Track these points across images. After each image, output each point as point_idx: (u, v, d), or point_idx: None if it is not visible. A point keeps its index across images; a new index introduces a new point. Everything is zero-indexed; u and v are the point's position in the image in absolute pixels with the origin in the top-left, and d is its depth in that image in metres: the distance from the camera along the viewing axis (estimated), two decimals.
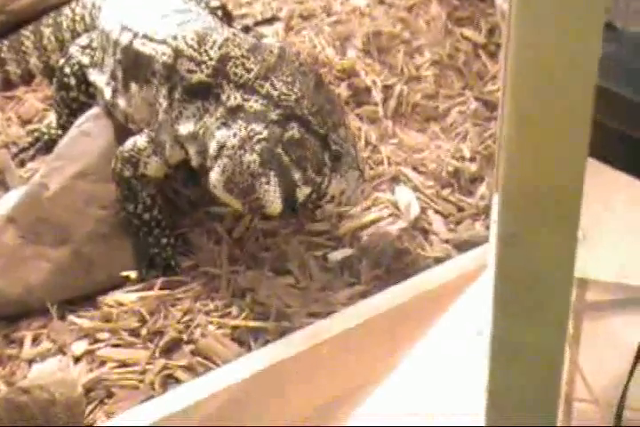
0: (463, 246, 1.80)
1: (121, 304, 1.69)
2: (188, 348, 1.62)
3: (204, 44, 1.70)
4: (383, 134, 2.07)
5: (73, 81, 2.01)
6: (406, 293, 1.64)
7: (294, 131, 1.58)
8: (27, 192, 1.79)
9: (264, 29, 2.35)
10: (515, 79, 0.77)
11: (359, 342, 1.59)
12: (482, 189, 1.95)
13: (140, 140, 1.76)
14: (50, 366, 1.60)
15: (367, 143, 2.04)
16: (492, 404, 0.87)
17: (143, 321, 1.65)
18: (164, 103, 1.73)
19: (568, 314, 0.85)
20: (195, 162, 1.71)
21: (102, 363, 1.60)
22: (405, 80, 2.20)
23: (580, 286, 1.60)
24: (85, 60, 1.99)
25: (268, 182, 1.57)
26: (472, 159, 2.02)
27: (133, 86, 1.81)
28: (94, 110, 1.92)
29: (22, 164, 2.04)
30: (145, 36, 1.79)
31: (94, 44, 1.99)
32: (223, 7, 2.20)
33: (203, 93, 1.68)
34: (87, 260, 1.74)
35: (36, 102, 2.22)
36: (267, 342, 1.60)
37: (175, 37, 1.74)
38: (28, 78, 2.31)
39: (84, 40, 2.03)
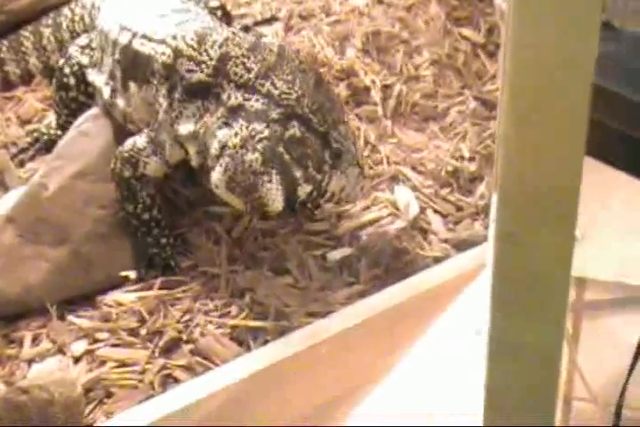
0: (462, 246, 1.80)
1: (120, 304, 1.69)
2: (187, 347, 1.62)
3: (204, 43, 1.70)
4: (382, 134, 2.07)
5: (72, 81, 2.01)
6: (405, 292, 1.64)
7: (295, 129, 1.59)
8: (26, 192, 1.79)
9: (263, 29, 2.36)
10: (512, 78, 0.77)
11: (358, 342, 1.59)
12: (481, 188, 1.95)
13: (139, 141, 1.76)
14: (49, 365, 1.60)
15: (366, 143, 2.04)
16: (490, 403, 0.87)
17: (142, 321, 1.66)
18: (164, 103, 1.73)
19: (566, 313, 0.85)
20: (195, 162, 1.71)
21: (102, 363, 1.60)
22: (404, 80, 2.21)
23: (579, 285, 1.61)
24: (85, 60, 1.99)
25: (270, 181, 1.57)
26: (471, 159, 2.02)
27: (132, 86, 1.81)
28: (93, 111, 1.92)
29: (22, 164, 2.04)
30: (144, 36, 1.79)
31: (93, 45, 1.99)
32: (222, 7, 2.20)
33: (203, 93, 1.68)
34: (86, 259, 1.74)
35: (35, 102, 2.22)
36: (266, 342, 1.60)
37: (174, 37, 1.74)
38: (27, 78, 2.31)
39: (83, 40, 2.03)
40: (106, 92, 1.89)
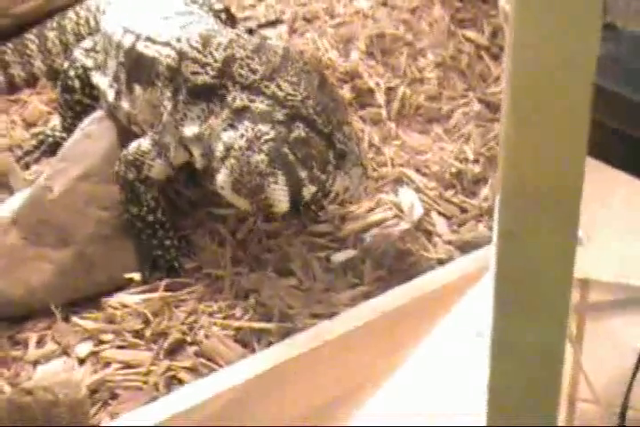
0: (466, 248, 1.80)
1: (125, 306, 1.70)
2: (191, 349, 1.62)
3: (209, 45, 1.70)
4: (386, 136, 2.07)
5: (77, 84, 2.01)
6: (409, 294, 1.64)
7: (300, 130, 1.59)
8: (31, 194, 1.79)
9: (267, 32, 2.36)
10: (513, 78, 0.77)
11: (362, 343, 1.59)
12: (485, 190, 1.95)
13: (143, 143, 1.76)
14: (54, 367, 1.60)
15: (370, 145, 2.04)
16: (494, 403, 0.87)
17: (147, 323, 1.66)
18: (168, 105, 1.73)
19: (568, 312, 0.85)
20: (199, 164, 1.71)
21: (106, 364, 1.61)
22: (408, 82, 2.21)
23: (582, 286, 1.60)
24: (89, 63, 2.00)
25: (276, 182, 1.57)
26: (475, 161, 2.02)
27: (137, 89, 1.82)
28: (98, 113, 1.92)
29: (27, 166, 2.04)
30: (148, 39, 1.80)
31: (98, 47, 1.99)
32: (227, 10, 2.20)
33: (208, 95, 1.68)
34: (89, 261, 1.74)
35: (40, 105, 2.23)
36: (270, 344, 1.60)
37: (179, 39, 1.74)
38: (32, 81, 2.32)
39: (88, 43, 2.04)
40: (110, 95, 1.89)
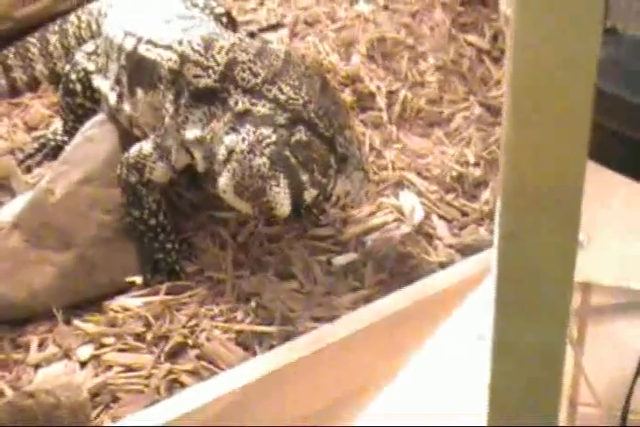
0: (467, 251, 1.80)
1: (126, 309, 1.70)
2: (193, 352, 1.62)
3: (211, 49, 1.70)
4: (387, 139, 2.08)
5: (79, 87, 2.02)
6: (410, 297, 1.64)
7: (302, 134, 1.59)
8: (32, 198, 1.80)
9: (269, 36, 2.36)
10: (514, 80, 0.77)
11: (363, 347, 1.59)
12: (486, 194, 1.95)
13: (145, 146, 1.76)
14: (55, 370, 1.60)
15: (371, 148, 2.04)
16: (494, 404, 0.88)
17: (148, 326, 1.66)
18: (170, 108, 1.73)
19: (569, 314, 0.85)
20: (201, 167, 1.71)
21: (108, 367, 1.61)
22: (409, 85, 2.21)
23: (583, 289, 1.60)
24: (91, 66, 2.00)
25: (277, 185, 1.57)
26: (476, 164, 2.02)
27: (139, 92, 1.82)
28: (99, 116, 1.93)
29: (28, 170, 2.05)
30: (150, 42, 1.80)
31: (100, 51, 2.00)
32: (228, 14, 2.20)
33: (210, 98, 1.68)
34: (90, 264, 1.74)
35: (41, 109, 2.23)
36: (271, 347, 1.60)
37: (181, 43, 1.74)
38: (34, 85, 2.32)
39: (89, 46, 2.05)
40: (112, 98, 1.89)
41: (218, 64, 1.68)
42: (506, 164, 0.80)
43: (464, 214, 1.91)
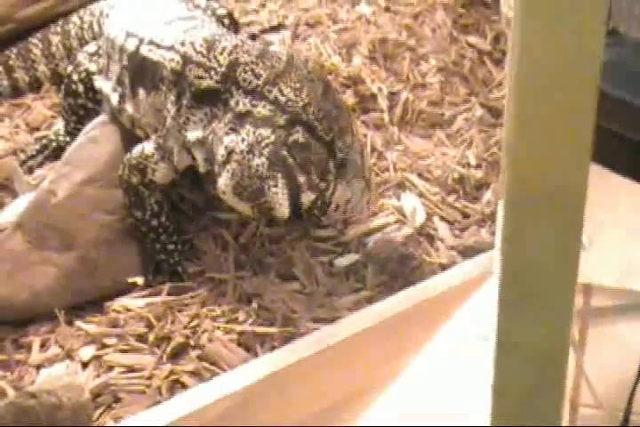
0: (468, 253, 1.80)
1: (128, 310, 1.70)
2: (194, 353, 1.62)
3: (213, 50, 1.70)
4: (389, 141, 2.08)
5: (81, 88, 2.02)
6: (411, 299, 1.64)
7: (299, 135, 1.59)
8: (35, 199, 1.80)
9: (270, 37, 2.36)
10: (517, 83, 0.78)
11: (365, 348, 1.59)
12: (487, 195, 1.96)
13: (147, 147, 1.77)
14: (57, 371, 1.60)
15: (373, 150, 2.04)
16: (498, 404, 0.88)
17: (150, 327, 1.66)
18: (172, 109, 1.74)
19: (572, 315, 0.85)
20: (202, 168, 1.71)
21: (109, 368, 1.61)
22: (411, 87, 2.21)
23: (585, 291, 1.61)
24: (93, 67, 2.00)
25: (276, 185, 1.57)
26: (477, 166, 2.02)
27: (141, 93, 1.82)
28: (102, 117, 1.93)
29: (30, 170, 2.04)
30: (152, 43, 1.80)
31: (102, 52, 2.00)
32: (230, 15, 2.21)
33: (211, 99, 1.68)
34: (92, 265, 1.74)
35: (44, 110, 2.23)
36: (273, 348, 1.60)
37: (183, 44, 1.74)
38: (36, 86, 2.32)
39: (91, 47, 2.04)
40: (114, 99, 1.90)
41: (220, 65, 1.68)
42: (508, 166, 0.80)
43: (465, 216, 1.91)
